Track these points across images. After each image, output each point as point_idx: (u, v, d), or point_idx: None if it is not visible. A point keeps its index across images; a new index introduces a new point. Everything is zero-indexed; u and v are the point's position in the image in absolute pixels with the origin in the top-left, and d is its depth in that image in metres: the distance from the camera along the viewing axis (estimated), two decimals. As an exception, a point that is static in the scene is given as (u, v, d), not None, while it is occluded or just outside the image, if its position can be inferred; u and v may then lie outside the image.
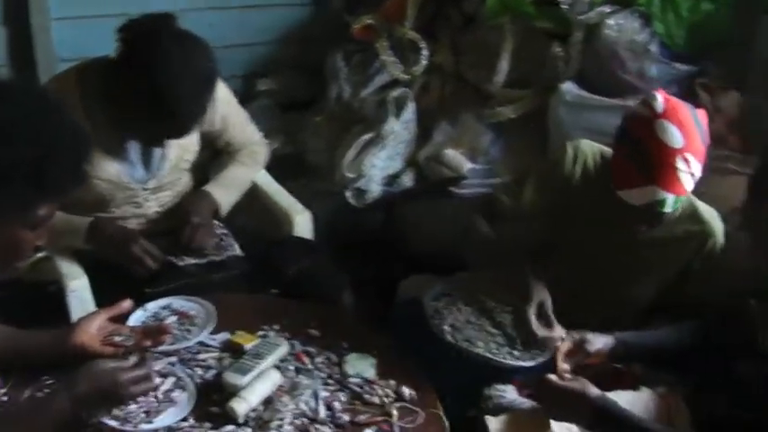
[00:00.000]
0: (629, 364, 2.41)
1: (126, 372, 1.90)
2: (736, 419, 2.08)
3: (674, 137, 2.28)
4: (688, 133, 2.30)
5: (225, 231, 2.86)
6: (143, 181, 2.73)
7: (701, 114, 2.38)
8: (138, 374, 1.91)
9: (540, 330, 2.44)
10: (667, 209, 2.35)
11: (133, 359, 1.98)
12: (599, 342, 2.29)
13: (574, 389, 2.08)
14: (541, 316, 2.47)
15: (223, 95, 2.83)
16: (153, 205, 2.80)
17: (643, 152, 2.32)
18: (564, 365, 2.24)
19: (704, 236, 2.54)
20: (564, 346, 2.29)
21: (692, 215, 2.50)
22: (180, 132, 2.55)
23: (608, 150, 2.58)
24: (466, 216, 2.82)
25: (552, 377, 2.11)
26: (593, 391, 2.07)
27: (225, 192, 2.89)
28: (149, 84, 2.37)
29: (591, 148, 2.62)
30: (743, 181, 2.52)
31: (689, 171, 2.30)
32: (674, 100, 2.36)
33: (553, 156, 2.67)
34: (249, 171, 3.03)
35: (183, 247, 2.72)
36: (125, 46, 2.44)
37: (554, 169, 2.63)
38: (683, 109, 2.34)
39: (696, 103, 3.38)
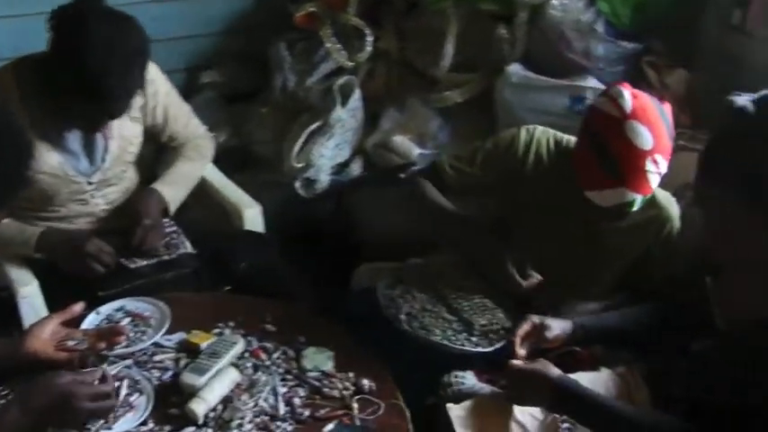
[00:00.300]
0: (589, 346, 2.42)
1: (84, 386, 1.87)
2: (694, 397, 2.10)
3: (644, 139, 2.26)
4: (657, 133, 2.27)
5: (175, 229, 2.82)
6: (87, 173, 2.69)
7: (667, 109, 2.36)
8: (97, 391, 1.88)
9: (524, 282, 2.46)
10: (635, 208, 2.36)
11: (98, 373, 1.95)
12: (557, 328, 2.30)
13: (534, 370, 2.08)
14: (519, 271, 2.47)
15: (164, 89, 2.82)
16: (100, 202, 2.77)
17: (611, 155, 2.29)
18: (521, 351, 2.24)
19: (662, 221, 2.53)
20: (522, 330, 2.29)
21: (650, 201, 2.45)
22: (115, 110, 2.51)
23: (562, 137, 2.57)
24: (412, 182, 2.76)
25: (514, 362, 2.12)
26: (554, 371, 2.07)
27: (173, 189, 2.86)
28: (78, 63, 2.33)
29: (545, 136, 2.58)
30: (693, 157, 2.53)
31: (657, 171, 2.29)
32: (642, 96, 2.33)
33: (504, 138, 2.62)
34: (196, 166, 3.00)
35: (134, 249, 2.69)
36: (54, 32, 2.41)
37: (505, 152, 2.58)
38: (651, 106, 2.31)
39: (643, 81, 3.43)
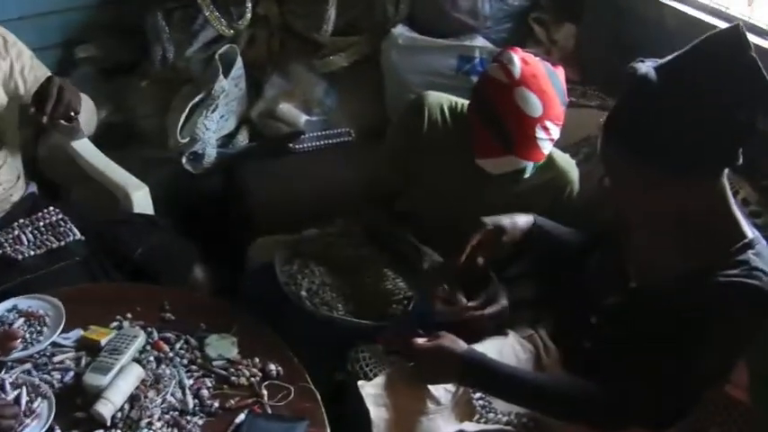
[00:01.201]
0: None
1: None
2: (604, 350, 2.14)
3: (533, 106, 2.26)
4: (547, 99, 2.27)
5: (62, 216, 2.71)
6: None
7: (560, 73, 2.37)
8: None
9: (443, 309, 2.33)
10: (527, 175, 2.37)
11: None
12: (515, 228, 2.30)
13: (440, 347, 2.09)
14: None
15: (27, 52, 2.74)
16: None
17: (500, 122, 2.30)
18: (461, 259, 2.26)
19: (562, 184, 2.53)
20: (474, 239, 2.27)
21: (548, 163, 2.47)
22: None
23: (456, 102, 2.56)
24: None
25: (418, 340, 2.12)
26: (461, 345, 2.08)
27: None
28: None
29: (438, 101, 2.55)
30: (585, 113, 2.58)
31: (549, 138, 2.31)
32: (532, 61, 2.32)
33: (403, 112, 2.62)
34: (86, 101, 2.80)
35: (50, 115, 2.44)
36: None
37: (406, 124, 2.58)
38: (541, 71, 2.31)
39: (532, 38, 3.44)
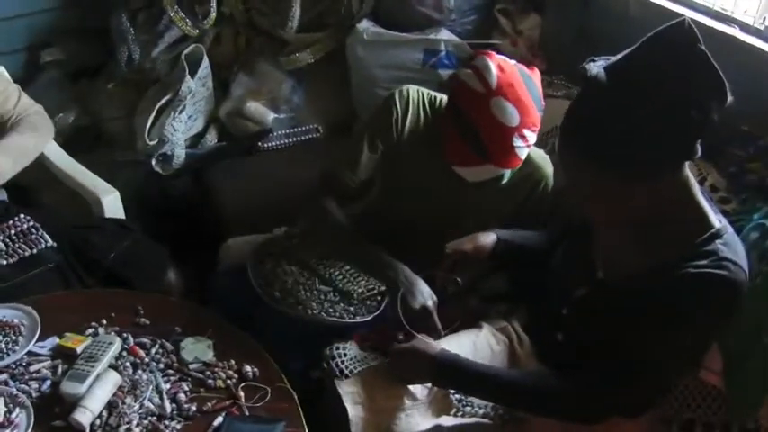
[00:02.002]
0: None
1: None
2: (574, 341, 2.17)
3: (510, 116, 2.24)
4: (524, 108, 2.25)
5: (33, 224, 2.69)
6: None
7: (535, 76, 2.35)
8: None
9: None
10: (504, 181, 2.37)
11: None
12: (478, 248, 2.33)
13: (414, 349, 2.13)
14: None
15: None
16: None
17: (477, 132, 2.28)
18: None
19: (537, 179, 2.52)
20: (444, 265, 2.32)
21: (525, 160, 2.42)
22: None
23: (435, 96, 2.54)
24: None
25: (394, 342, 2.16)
26: (433, 348, 2.12)
27: (3, 157, 2.69)
28: None
29: (418, 95, 2.52)
30: (552, 103, 2.58)
31: (526, 145, 2.30)
32: (508, 68, 2.29)
33: (380, 108, 2.55)
34: (30, 140, 2.81)
35: None
36: None
37: (385, 120, 2.51)
38: (518, 79, 2.28)
39: (497, 29, 3.45)
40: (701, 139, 1.78)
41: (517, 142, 2.27)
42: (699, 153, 1.79)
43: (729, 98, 1.72)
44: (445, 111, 2.42)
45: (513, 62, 2.35)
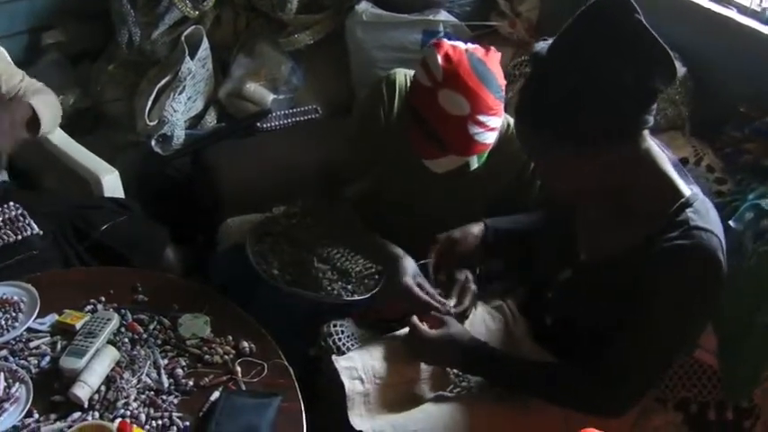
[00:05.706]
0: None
1: None
2: (561, 329, 2.18)
3: (459, 105, 2.21)
4: (473, 96, 2.21)
5: (21, 211, 2.68)
6: None
7: (491, 59, 2.29)
8: None
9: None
10: (474, 167, 2.36)
11: None
12: (466, 239, 2.34)
13: (443, 338, 2.13)
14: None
15: None
16: None
17: (432, 127, 2.27)
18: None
19: (525, 157, 2.44)
20: (433, 258, 2.32)
21: (512, 137, 2.39)
22: None
23: None
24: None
25: (420, 327, 2.16)
26: (464, 337, 2.14)
27: (42, 104, 2.75)
28: None
29: (405, 81, 2.50)
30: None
31: (486, 129, 2.26)
32: (455, 58, 2.23)
33: (367, 95, 2.57)
34: (52, 96, 2.89)
35: None
36: None
37: (375, 107, 2.51)
38: (465, 66, 2.22)
39: (495, 10, 3.43)
40: (650, 110, 1.80)
41: (474, 129, 2.23)
42: (650, 123, 1.82)
43: (681, 70, 1.73)
44: (405, 108, 2.42)
45: (465, 47, 2.29)
